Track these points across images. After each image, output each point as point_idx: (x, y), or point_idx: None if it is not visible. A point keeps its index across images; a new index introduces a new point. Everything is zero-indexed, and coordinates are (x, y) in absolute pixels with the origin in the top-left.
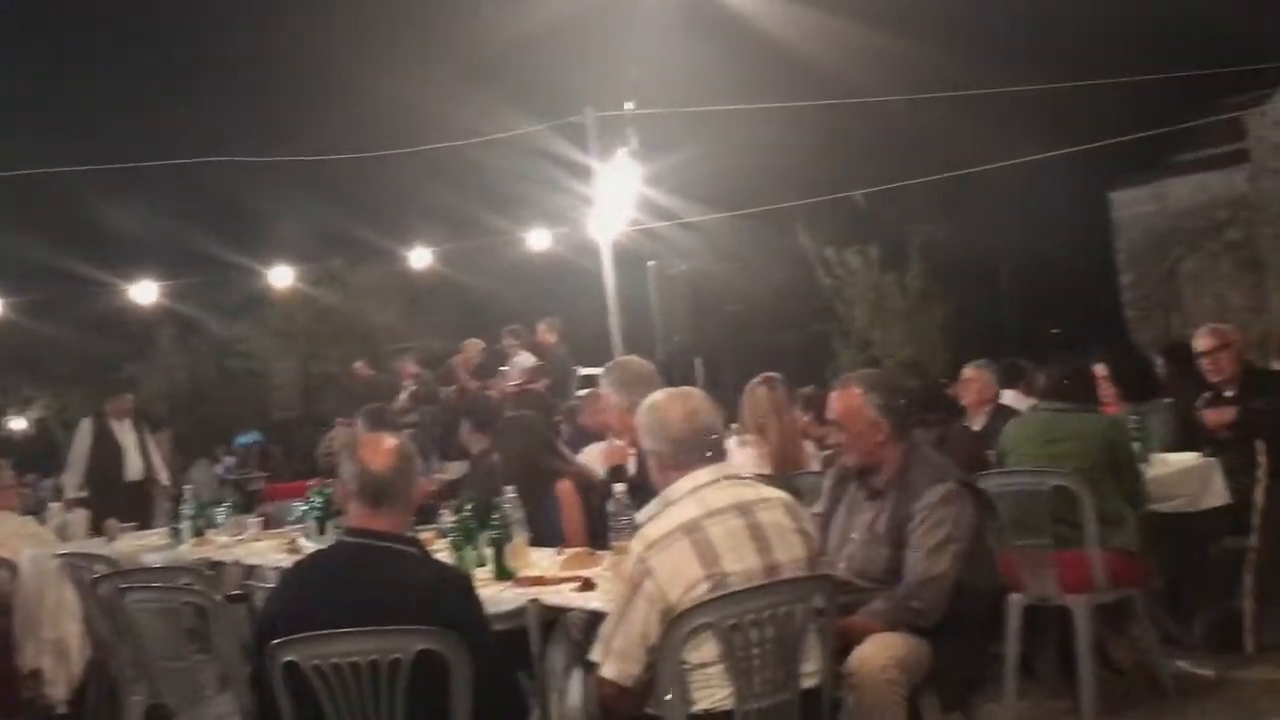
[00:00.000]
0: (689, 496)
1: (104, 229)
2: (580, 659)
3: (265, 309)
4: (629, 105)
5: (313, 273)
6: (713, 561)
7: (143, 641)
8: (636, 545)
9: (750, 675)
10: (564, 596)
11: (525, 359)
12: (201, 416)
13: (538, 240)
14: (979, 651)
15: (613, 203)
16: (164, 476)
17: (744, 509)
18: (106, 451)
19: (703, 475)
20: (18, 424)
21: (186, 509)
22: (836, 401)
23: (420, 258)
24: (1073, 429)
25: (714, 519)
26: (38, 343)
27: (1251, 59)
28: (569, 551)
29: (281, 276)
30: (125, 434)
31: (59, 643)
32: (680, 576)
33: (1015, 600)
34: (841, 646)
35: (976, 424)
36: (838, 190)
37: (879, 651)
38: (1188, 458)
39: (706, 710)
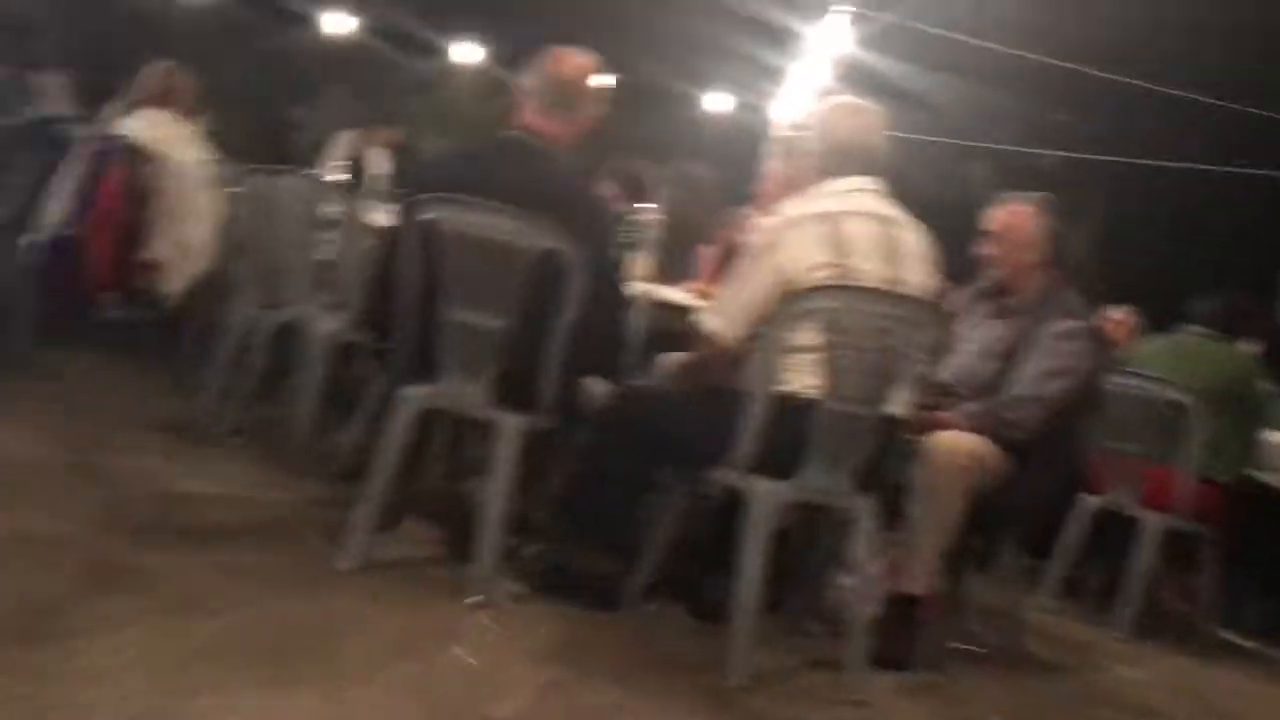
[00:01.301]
0: (832, 195)
1: None
2: None
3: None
4: None
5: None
6: (842, 254)
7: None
8: (769, 220)
9: (843, 374)
10: (675, 295)
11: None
12: None
13: (715, 102)
14: (1048, 499)
15: (809, 74)
16: None
17: (884, 220)
18: None
19: (851, 182)
20: None
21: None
22: (1001, 216)
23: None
24: (1208, 353)
25: (853, 219)
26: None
27: None
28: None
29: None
30: None
31: (184, 242)
32: (806, 256)
33: (1087, 501)
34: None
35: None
36: None
37: (959, 441)
38: None
39: (792, 392)
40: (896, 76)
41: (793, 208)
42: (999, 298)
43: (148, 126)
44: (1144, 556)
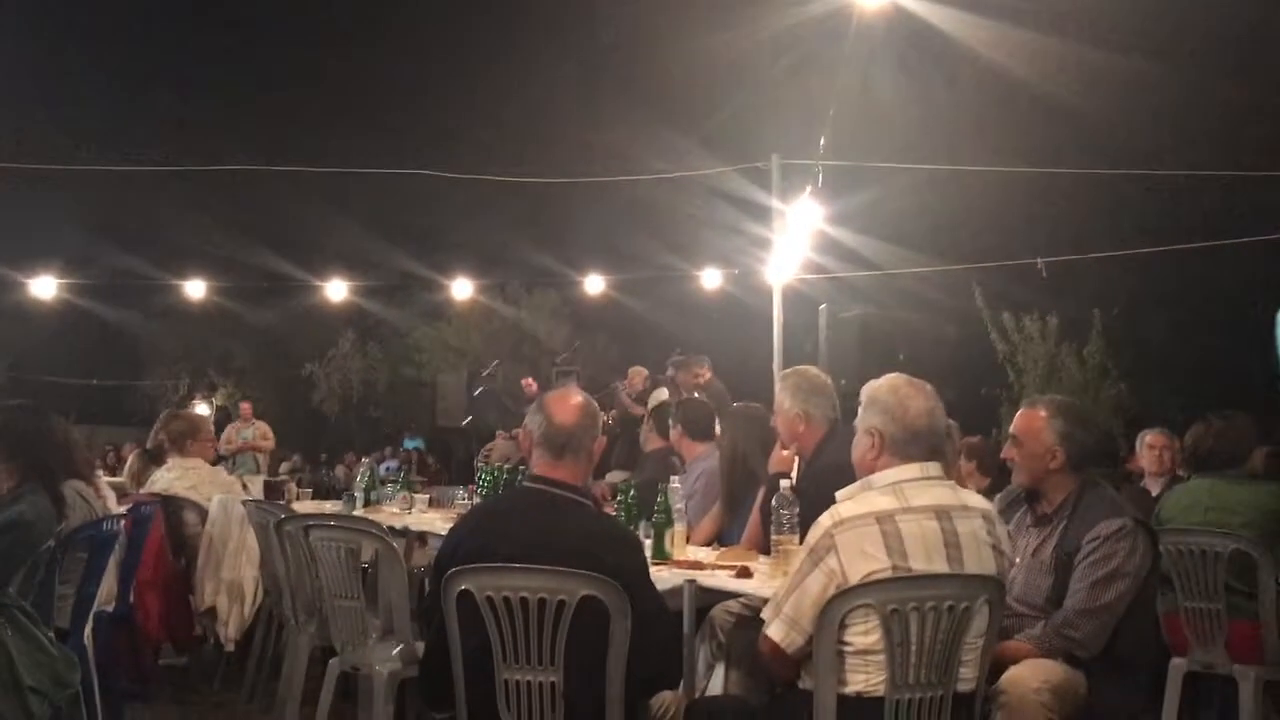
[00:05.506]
0: (890, 488)
1: (299, 229)
2: (722, 658)
3: (441, 323)
4: (821, 142)
5: (488, 290)
6: (900, 556)
7: (319, 580)
8: (826, 520)
9: (905, 664)
10: (719, 580)
11: (660, 393)
12: (371, 419)
13: (710, 279)
14: (1135, 696)
15: (790, 246)
16: None
17: (942, 513)
18: None
19: (910, 470)
20: (202, 409)
21: (360, 481)
22: (1019, 419)
23: (594, 284)
24: (1242, 498)
25: (910, 516)
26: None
27: None
28: (727, 548)
29: (462, 289)
30: None
31: (235, 584)
32: (865, 559)
33: (1177, 665)
34: (994, 668)
35: (1154, 489)
36: (1014, 250)
37: (1033, 673)
38: None
39: (858, 693)
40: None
41: (848, 507)
42: (1031, 503)
43: (178, 476)
44: (1249, 713)
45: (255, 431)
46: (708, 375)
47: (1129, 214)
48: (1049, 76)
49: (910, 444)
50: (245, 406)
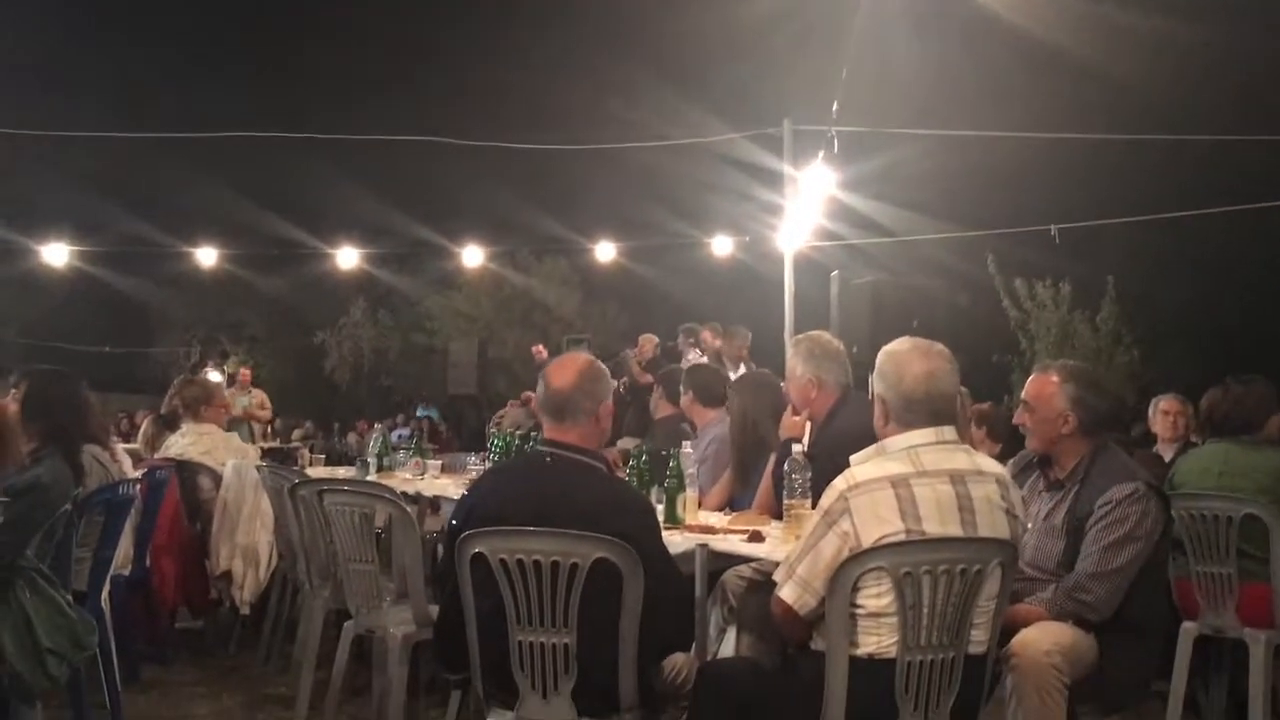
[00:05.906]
0: (904, 453)
1: (310, 197)
2: (734, 622)
3: (452, 291)
4: (834, 106)
5: (499, 258)
6: (914, 520)
7: (334, 544)
8: (841, 483)
9: (917, 627)
10: (731, 544)
11: (695, 356)
12: (382, 387)
13: (720, 246)
14: (1147, 660)
15: (802, 212)
16: None
17: (956, 477)
18: None
19: (925, 435)
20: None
21: (373, 447)
22: (1031, 384)
23: (604, 252)
24: (1255, 463)
25: (924, 480)
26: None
27: None
28: (738, 513)
29: (473, 257)
30: None
31: (250, 548)
32: (878, 523)
33: (1188, 628)
34: (1006, 631)
35: (1166, 454)
36: (1028, 217)
37: (1044, 636)
38: None
39: (869, 654)
40: (881, 188)
41: (863, 470)
42: (1043, 468)
43: (192, 441)
44: (1257, 676)
45: (253, 400)
46: (718, 342)
47: (1146, 179)
48: (1067, 37)
49: (907, 411)
50: (245, 373)
